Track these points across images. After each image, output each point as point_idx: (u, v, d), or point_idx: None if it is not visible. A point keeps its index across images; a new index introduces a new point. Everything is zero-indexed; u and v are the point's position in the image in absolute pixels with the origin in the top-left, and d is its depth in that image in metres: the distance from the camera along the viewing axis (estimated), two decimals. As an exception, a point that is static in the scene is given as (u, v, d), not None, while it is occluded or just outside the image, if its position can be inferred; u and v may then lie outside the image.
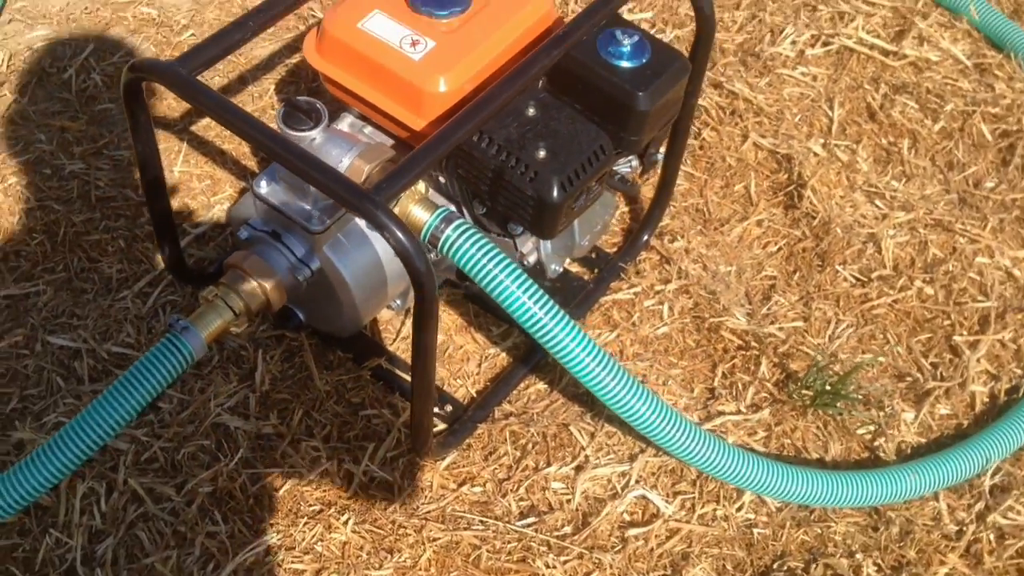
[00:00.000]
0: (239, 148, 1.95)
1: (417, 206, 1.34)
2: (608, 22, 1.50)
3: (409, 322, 1.73)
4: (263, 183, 1.47)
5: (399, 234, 1.19)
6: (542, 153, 1.40)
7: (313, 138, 1.41)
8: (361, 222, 1.49)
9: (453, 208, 1.53)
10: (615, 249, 1.86)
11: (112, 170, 1.90)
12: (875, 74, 2.19)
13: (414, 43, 1.46)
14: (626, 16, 1.67)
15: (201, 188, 1.88)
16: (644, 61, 1.50)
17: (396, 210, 1.31)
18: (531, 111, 1.45)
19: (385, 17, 1.48)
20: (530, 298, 1.31)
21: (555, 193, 1.39)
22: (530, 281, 1.32)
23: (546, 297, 1.33)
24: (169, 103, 2.00)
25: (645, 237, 1.85)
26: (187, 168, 1.91)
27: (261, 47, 2.13)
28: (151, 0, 2.20)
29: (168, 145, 1.93)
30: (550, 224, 1.43)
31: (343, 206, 1.24)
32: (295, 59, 2.12)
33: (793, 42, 2.23)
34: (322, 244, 1.47)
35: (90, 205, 1.84)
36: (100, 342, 1.65)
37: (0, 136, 1.94)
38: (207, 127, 1.98)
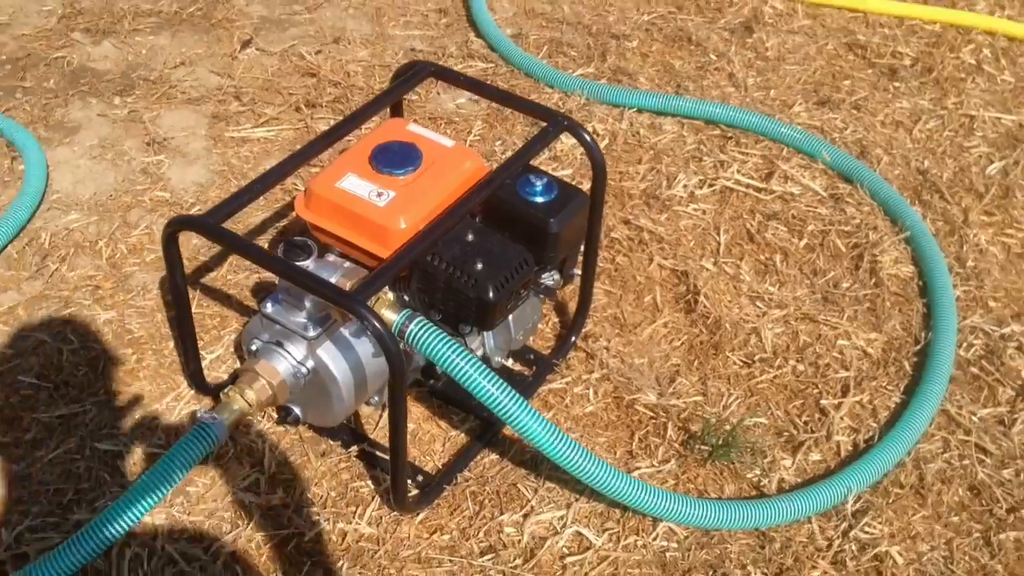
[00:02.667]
0: (240, 293, 2.42)
1: (387, 309, 1.79)
2: (524, 170, 2.02)
3: (386, 415, 2.16)
4: (268, 304, 1.92)
5: (375, 323, 1.64)
6: (480, 266, 1.87)
7: (308, 265, 1.88)
8: (345, 331, 1.94)
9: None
10: (549, 351, 2.32)
11: (138, 316, 2.35)
12: (751, 206, 2.73)
13: (379, 194, 1.95)
14: (551, 172, 2.17)
15: (213, 324, 2.34)
16: (553, 196, 2.01)
17: (371, 311, 1.77)
18: (470, 236, 1.93)
19: (356, 177, 1.98)
20: (476, 371, 1.75)
21: (491, 294, 1.86)
22: (475, 359, 1.76)
23: (488, 370, 1.76)
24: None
25: (572, 339, 2.31)
26: (200, 310, 2.37)
27: (255, 216, 2.63)
28: (164, 186, 2.72)
29: (185, 293, 2.39)
30: (490, 318, 1.90)
31: (334, 304, 1.69)
32: (284, 222, 2.62)
33: (685, 186, 2.77)
34: (316, 348, 1.92)
35: (123, 344, 2.27)
36: (138, 445, 2.06)
37: (46, 297, 2.39)
38: (214, 279, 2.45)
